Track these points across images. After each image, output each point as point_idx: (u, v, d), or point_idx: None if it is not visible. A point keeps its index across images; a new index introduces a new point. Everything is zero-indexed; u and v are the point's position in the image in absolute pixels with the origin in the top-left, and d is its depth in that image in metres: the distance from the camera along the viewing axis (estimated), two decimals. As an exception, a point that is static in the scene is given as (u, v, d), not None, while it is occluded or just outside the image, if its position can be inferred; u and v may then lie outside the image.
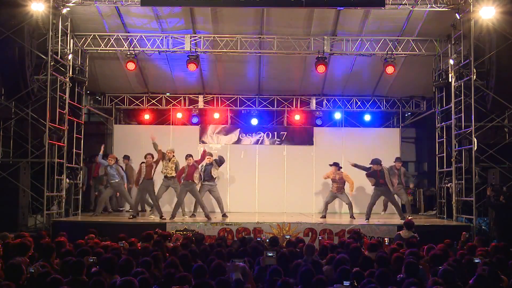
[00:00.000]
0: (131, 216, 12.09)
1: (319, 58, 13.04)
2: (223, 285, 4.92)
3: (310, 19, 12.77)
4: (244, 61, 14.35)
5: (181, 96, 15.92)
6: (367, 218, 12.00)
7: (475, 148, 11.29)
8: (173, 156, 12.38)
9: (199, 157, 12.52)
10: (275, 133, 15.64)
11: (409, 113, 16.48)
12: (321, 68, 13.09)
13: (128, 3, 11.72)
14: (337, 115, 16.06)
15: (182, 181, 12.21)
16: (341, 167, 12.99)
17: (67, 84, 12.49)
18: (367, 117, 16.08)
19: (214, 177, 12.55)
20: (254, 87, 15.59)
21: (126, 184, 12.96)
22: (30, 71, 11.00)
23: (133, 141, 15.34)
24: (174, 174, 12.31)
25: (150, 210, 13.24)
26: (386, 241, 8.43)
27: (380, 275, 5.34)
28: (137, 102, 15.91)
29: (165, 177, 12.32)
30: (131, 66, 13.16)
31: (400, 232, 8.91)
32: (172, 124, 15.93)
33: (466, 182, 11.91)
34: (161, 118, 16.24)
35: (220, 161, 12.84)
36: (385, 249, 7.65)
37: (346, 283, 5.03)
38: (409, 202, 13.19)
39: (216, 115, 16.03)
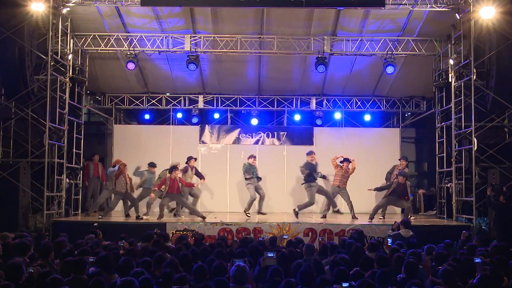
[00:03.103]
0: (100, 216, 12.06)
1: (319, 58, 13.04)
2: (222, 286, 4.91)
3: (310, 19, 12.77)
4: (244, 61, 14.34)
5: (181, 96, 15.91)
6: (371, 218, 11.93)
7: (475, 148, 11.29)
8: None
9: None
10: (275, 133, 15.61)
11: (409, 113, 16.47)
12: (321, 68, 13.11)
13: (128, 3, 11.72)
14: (337, 115, 16.04)
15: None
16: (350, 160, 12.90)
17: (67, 84, 12.50)
18: (367, 117, 16.06)
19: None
20: (254, 87, 15.58)
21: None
22: (30, 71, 10.99)
23: (133, 141, 15.33)
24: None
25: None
26: (388, 242, 8.40)
27: (380, 275, 5.34)
28: (137, 102, 15.89)
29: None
30: (131, 66, 13.16)
31: (400, 231, 8.90)
32: (172, 124, 15.92)
33: (466, 182, 11.90)
34: (161, 118, 16.24)
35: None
36: (386, 249, 7.65)
37: (345, 284, 5.01)
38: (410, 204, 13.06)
39: (216, 115, 16.05)
